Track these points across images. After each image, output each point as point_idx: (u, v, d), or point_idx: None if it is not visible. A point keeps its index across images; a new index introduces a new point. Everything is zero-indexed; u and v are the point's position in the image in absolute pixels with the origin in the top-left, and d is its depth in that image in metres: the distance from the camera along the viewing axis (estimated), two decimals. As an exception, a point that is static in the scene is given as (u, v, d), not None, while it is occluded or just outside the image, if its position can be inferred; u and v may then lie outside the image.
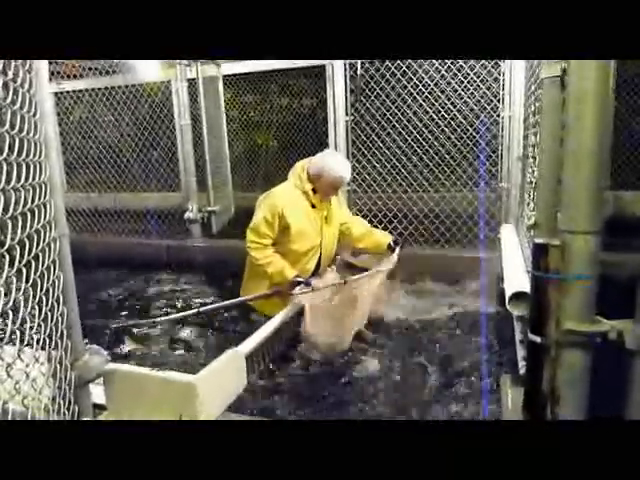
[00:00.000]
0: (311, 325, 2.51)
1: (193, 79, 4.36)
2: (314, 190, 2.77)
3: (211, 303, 3.33)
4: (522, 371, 1.85)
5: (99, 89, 5.04)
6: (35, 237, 1.28)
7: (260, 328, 2.43)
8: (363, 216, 3.76)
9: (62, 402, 1.44)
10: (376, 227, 3.53)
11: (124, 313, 3.52)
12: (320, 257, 2.94)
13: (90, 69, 5.03)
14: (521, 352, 1.99)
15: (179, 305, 3.67)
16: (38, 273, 1.28)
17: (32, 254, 1.24)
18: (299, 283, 2.65)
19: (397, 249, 2.99)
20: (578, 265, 1.23)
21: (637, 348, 1.22)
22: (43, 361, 1.36)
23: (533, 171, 2.31)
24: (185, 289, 4.06)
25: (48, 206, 1.39)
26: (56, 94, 5.24)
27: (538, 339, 1.29)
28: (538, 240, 1.28)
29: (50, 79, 5.02)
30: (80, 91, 5.16)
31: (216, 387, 1.80)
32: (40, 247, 1.31)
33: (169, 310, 3.50)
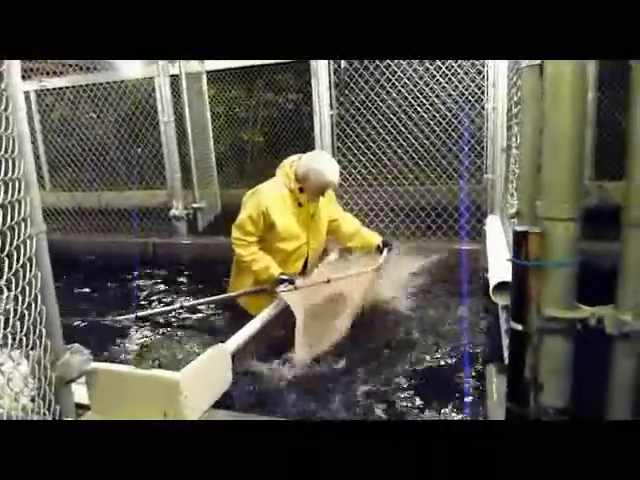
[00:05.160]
0: (300, 328, 2.48)
1: (176, 75, 4.33)
2: (301, 189, 2.74)
3: (195, 299, 3.31)
4: (507, 360, 1.85)
5: (80, 86, 4.98)
6: (9, 234, 1.25)
7: (246, 325, 2.42)
8: (349, 210, 3.75)
9: (42, 402, 1.42)
10: (362, 221, 3.52)
11: (109, 311, 3.48)
12: (307, 255, 2.93)
13: (71, 66, 4.96)
14: (506, 341, 1.99)
15: (164, 302, 3.65)
16: (12, 271, 1.26)
17: (5, 252, 1.21)
18: (284, 281, 2.63)
19: (385, 251, 2.99)
20: (558, 252, 1.23)
21: (617, 334, 1.22)
22: (20, 361, 1.33)
23: (516, 161, 2.31)
24: (171, 286, 4.04)
25: (23, 203, 1.36)
26: (36, 91, 5.17)
27: (520, 327, 1.29)
28: (518, 228, 1.28)
29: (30, 76, 4.96)
30: (61, 88, 5.09)
31: (201, 384, 1.79)
32: (14, 244, 1.28)
33: (153, 307, 3.48)
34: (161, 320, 3.14)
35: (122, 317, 3.19)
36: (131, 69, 4.71)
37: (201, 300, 3.13)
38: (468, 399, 2.14)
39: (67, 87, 5.06)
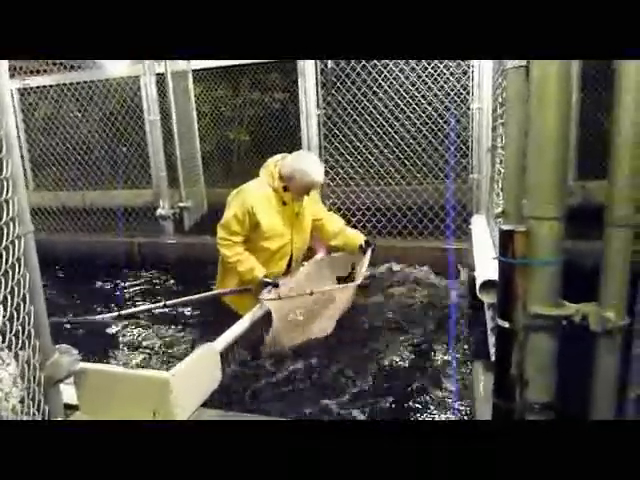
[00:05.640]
0: (277, 327, 2.52)
1: (162, 73, 4.30)
2: (285, 188, 2.75)
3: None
4: (493, 357, 1.88)
5: (64, 84, 4.92)
6: (-3, 235, 1.25)
7: (234, 324, 2.42)
8: (337, 209, 3.78)
9: (31, 403, 1.41)
10: (349, 221, 3.54)
11: (94, 311, 3.45)
12: (292, 254, 2.94)
13: (55, 64, 4.90)
14: (492, 339, 2.03)
15: (149, 302, 3.63)
16: (2, 271, 1.25)
17: (-6, 252, 1.21)
18: (267, 284, 2.64)
19: (369, 251, 3.01)
20: (543, 251, 1.25)
21: (601, 330, 1.26)
22: (9, 362, 1.33)
23: (501, 161, 2.35)
24: (157, 287, 4.01)
25: (11, 203, 1.35)
26: (19, 90, 5.10)
27: (506, 324, 1.32)
28: (505, 227, 1.30)
29: (13, 75, 4.89)
30: (45, 87, 5.03)
31: (190, 383, 1.79)
32: (3, 245, 1.27)
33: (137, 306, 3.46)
34: (149, 320, 3.12)
35: (104, 316, 3.15)
36: (116, 68, 4.68)
37: (184, 298, 3.10)
38: (455, 397, 2.17)
39: (51, 85, 5.00)
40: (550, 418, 1.35)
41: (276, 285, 2.61)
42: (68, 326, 3.04)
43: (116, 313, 3.09)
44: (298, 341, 2.59)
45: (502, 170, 2.26)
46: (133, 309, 3.17)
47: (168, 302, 3.04)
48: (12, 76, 4.91)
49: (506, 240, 1.28)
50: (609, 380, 1.31)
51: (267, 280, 2.64)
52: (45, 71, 5.01)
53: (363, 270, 2.90)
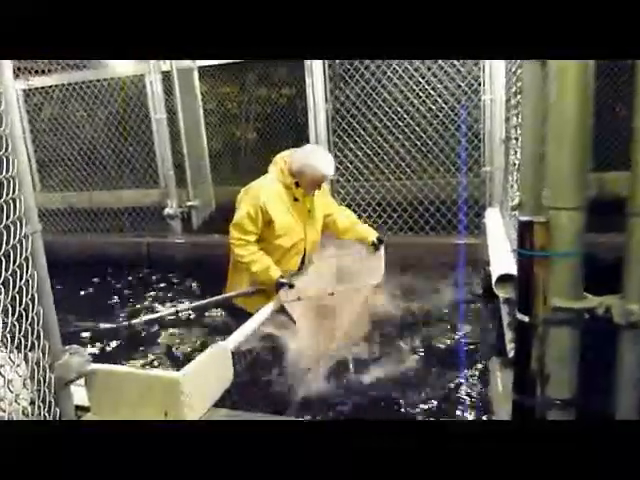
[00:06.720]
0: (300, 331, 2.49)
1: (167, 71, 4.28)
2: (297, 184, 2.72)
3: (191, 301, 3.26)
4: (511, 354, 1.84)
5: (70, 84, 4.92)
6: (4, 234, 1.23)
7: (245, 323, 2.39)
8: (347, 205, 3.74)
9: (42, 405, 1.40)
10: (360, 216, 3.51)
11: (104, 313, 3.44)
12: (305, 251, 2.91)
13: (59, 64, 4.90)
14: (509, 335, 1.98)
15: (160, 303, 3.62)
16: (10, 271, 1.23)
17: (1, 251, 1.19)
18: (283, 284, 2.60)
19: (382, 247, 2.97)
20: (563, 242, 1.21)
21: (625, 323, 1.21)
22: (19, 363, 1.31)
23: (516, 152, 2.30)
24: (166, 286, 4.00)
25: (17, 202, 1.33)
26: (24, 91, 5.10)
27: (526, 318, 1.27)
28: (523, 218, 1.26)
29: (18, 75, 4.89)
30: (50, 87, 5.03)
31: (201, 383, 1.77)
32: (10, 244, 1.26)
33: (149, 308, 3.45)
34: (159, 319, 3.10)
35: (113, 325, 3.09)
36: (121, 66, 4.67)
37: (196, 303, 3.05)
38: (470, 395, 2.14)
39: (56, 85, 5.00)
40: (571, 415, 1.31)
41: (292, 286, 2.57)
42: (79, 331, 3.03)
43: (127, 322, 3.04)
44: (327, 345, 2.54)
45: (517, 162, 2.21)
46: (144, 318, 3.12)
47: (180, 307, 3.01)
48: (16, 77, 4.91)
49: (524, 231, 1.24)
50: (633, 375, 1.27)
51: (283, 281, 2.60)
52: (49, 71, 5.01)
53: (378, 278, 2.86)
